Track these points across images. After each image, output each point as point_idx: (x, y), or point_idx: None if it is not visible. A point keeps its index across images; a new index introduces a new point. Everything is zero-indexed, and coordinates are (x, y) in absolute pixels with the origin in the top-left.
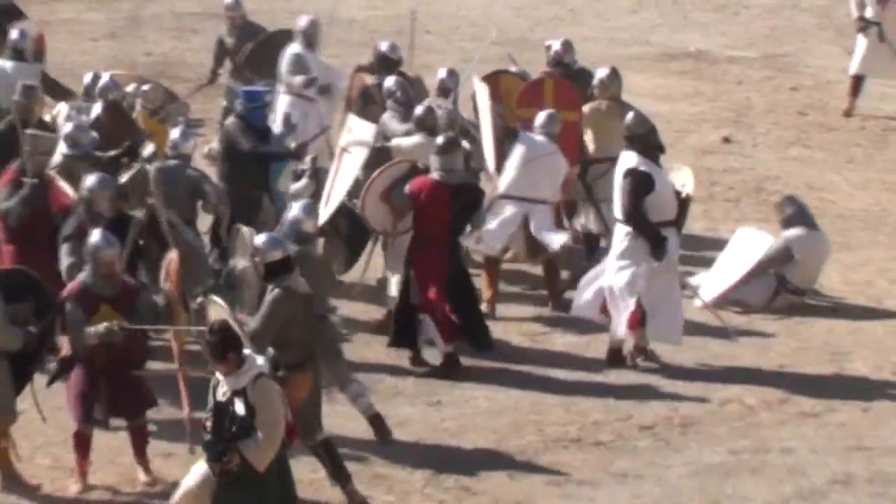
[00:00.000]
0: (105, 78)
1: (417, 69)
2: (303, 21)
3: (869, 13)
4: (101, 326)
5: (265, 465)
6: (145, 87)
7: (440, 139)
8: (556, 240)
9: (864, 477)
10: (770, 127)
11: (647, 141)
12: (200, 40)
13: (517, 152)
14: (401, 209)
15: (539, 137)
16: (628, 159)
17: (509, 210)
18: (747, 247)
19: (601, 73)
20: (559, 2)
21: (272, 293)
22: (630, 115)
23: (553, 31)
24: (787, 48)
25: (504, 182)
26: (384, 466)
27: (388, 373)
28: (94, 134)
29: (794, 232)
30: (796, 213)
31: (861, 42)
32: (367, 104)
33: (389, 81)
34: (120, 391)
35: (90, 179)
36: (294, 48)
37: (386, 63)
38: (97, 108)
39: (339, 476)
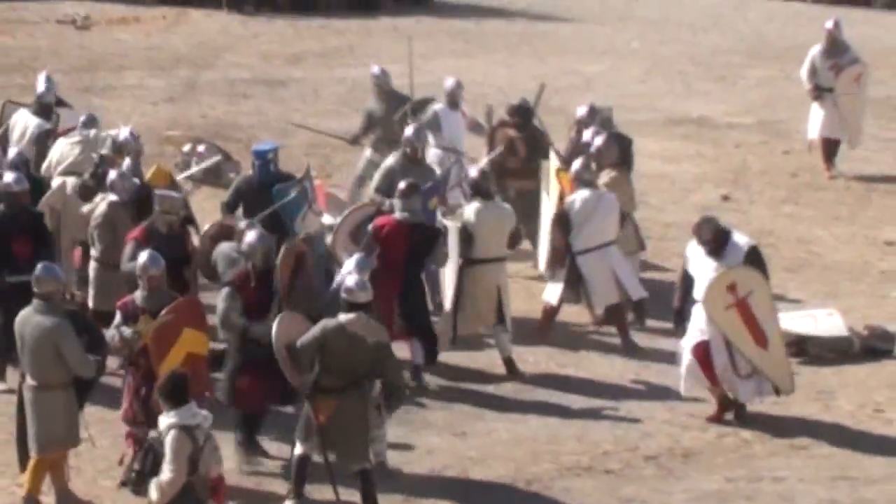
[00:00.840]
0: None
1: None
2: (448, 82)
3: (822, 81)
4: (126, 331)
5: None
6: (200, 148)
7: (402, 184)
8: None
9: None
10: (764, 186)
11: None
12: (251, 104)
13: (579, 209)
14: (366, 246)
15: (586, 190)
16: None
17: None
18: None
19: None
20: (575, 72)
21: (323, 323)
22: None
23: (569, 98)
24: (781, 115)
25: (578, 238)
26: (413, 490)
27: (417, 405)
28: (136, 181)
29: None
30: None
31: (816, 109)
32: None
33: None
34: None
35: (251, 236)
36: (436, 106)
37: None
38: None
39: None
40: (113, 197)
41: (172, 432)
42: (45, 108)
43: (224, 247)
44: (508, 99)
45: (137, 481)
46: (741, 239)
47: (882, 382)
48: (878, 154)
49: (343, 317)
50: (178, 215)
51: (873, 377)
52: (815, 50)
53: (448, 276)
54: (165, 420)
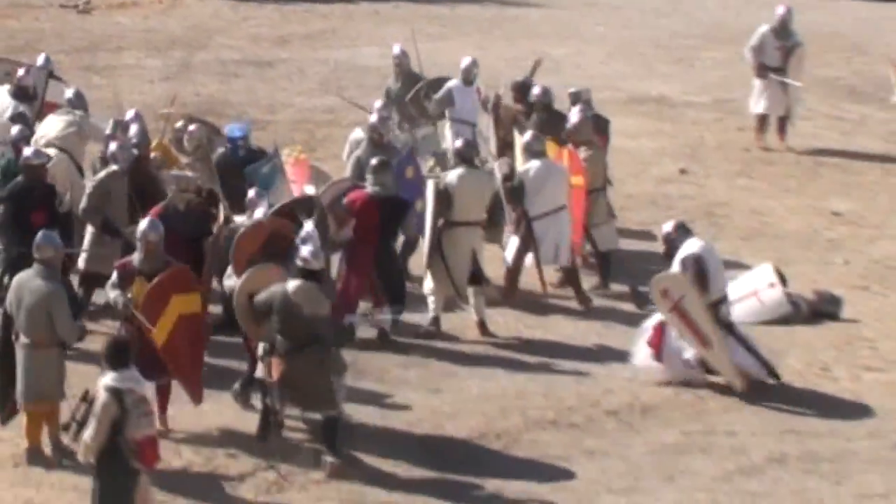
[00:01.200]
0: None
1: None
2: (465, 61)
3: (769, 60)
4: (120, 299)
5: (85, 458)
6: (191, 128)
7: (373, 160)
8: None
9: (796, 455)
10: (719, 161)
11: None
12: (241, 83)
13: (533, 177)
14: (341, 218)
15: (538, 160)
16: None
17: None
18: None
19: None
20: (543, 54)
21: (275, 287)
22: None
23: (538, 79)
24: (735, 94)
25: (533, 205)
26: (391, 442)
27: (395, 364)
28: (135, 151)
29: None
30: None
31: (760, 86)
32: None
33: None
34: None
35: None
36: (451, 83)
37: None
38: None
39: (329, 447)
40: (113, 167)
41: (104, 394)
42: (23, 90)
43: None
44: (479, 78)
45: (76, 431)
46: (690, 246)
47: (828, 343)
48: (825, 131)
49: (291, 284)
50: (193, 193)
51: (820, 338)
52: (765, 29)
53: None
54: (102, 380)
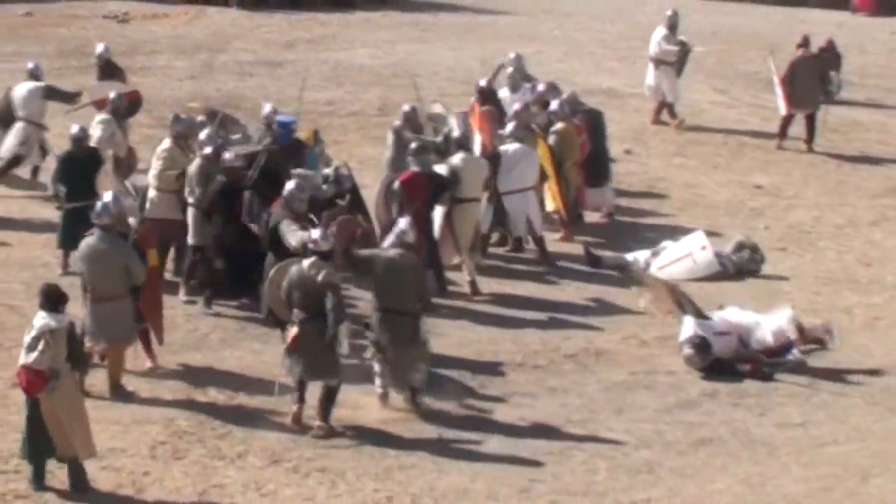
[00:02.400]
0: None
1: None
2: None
3: (666, 56)
4: None
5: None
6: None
7: (413, 144)
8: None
9: (726, 391)
10: (658, 143)
11: None
12: (255, 81)
13: (510, 156)
14: (397, 197)
15: (515, 145)
16: None
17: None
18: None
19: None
20: (506, 54)
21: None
22: None
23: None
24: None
25: (505, 181)
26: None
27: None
28: (220, 139)
29: None
30: None
31: (655, 75)
32: None
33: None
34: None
35: (290, 184)
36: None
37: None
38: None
39: (323, 413)
40: (207, 150)
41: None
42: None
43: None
44: (455, 74)
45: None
46: None
47: (750, 295)
48: (748, 116)
49: (305, 262)
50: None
51: (744, 290)
52: (663, 30)
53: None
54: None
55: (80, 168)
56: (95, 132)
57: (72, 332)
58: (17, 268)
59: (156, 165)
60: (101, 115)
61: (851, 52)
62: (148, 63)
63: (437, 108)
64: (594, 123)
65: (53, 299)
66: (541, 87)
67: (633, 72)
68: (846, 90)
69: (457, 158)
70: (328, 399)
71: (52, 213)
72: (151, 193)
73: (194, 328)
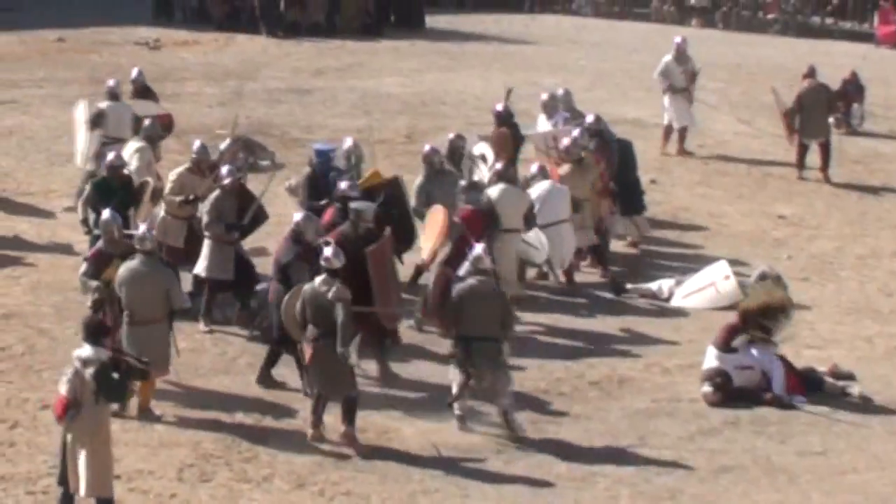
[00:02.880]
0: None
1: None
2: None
3: (677, 82)
4: (92, 284)
5: None
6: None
7: (464, 183)
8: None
9: (748, 419)
10: (683, 173)
11: None
12: (284, 108)
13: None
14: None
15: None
16: None
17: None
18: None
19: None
20: (536, 84)
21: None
22: None
23: (532, 104)
24: (696, 117)
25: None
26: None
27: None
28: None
29: None
30: None
31: (668, 102)
32: None
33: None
34: None
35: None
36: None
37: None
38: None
39: (348, 420)
40: (226, 182)
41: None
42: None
43: None
44: (482, 103)
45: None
46: None
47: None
48: (772, 147)
49: (317, 280)
50: (369, 222)
51: None
52: (668, 58)
53: None
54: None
55: (113, 196)
56: (133, 161)
57: (106, 365)
58: (48, 292)
59: (166, 188)
60: (137, 143)
61: (875, 84)
62: (178, 90)
63: (481, 150)
64: (624, 153)
65: (93, 331)
66: (589, 119)
67: (659, 102)
68: (869, 122)
69: (495, 190)
70: (349, 411)
71: (80, 237)
72: (160, 215)
73: (222, 352)
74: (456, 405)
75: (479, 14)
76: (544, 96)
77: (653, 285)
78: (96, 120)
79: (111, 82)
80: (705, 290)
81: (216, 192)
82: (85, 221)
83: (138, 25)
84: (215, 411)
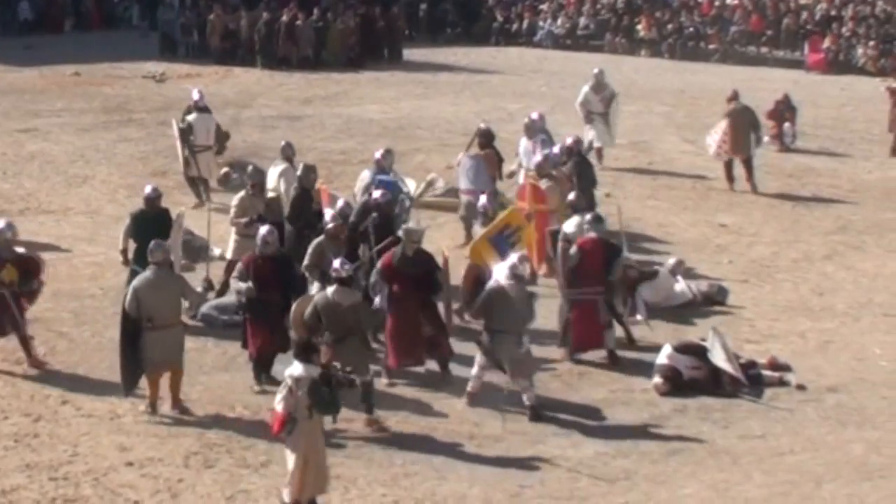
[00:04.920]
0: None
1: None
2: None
3: (595, 108)
4: None
5: None
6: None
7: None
8: None
9: (694, 407)
10: (634, 186)
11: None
12: (277, 133)
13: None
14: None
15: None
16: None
17: None
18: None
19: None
20: (502, 109)
21: (317, 297)
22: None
23: (498, 127)
24: (645, 137)
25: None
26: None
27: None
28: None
29: None
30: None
31: (589, 128)
32: None
33: None
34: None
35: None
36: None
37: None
38: None
39: (368, 406)
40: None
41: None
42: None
43: None
44: (453, 126)
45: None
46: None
47: (718, 323)
48: (714, 164)
49: (329, 289)
50: (417, 242)
51: (712, 320)
52: (587, 88)
53: None
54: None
55: (149, 227)
56: (281, 184)
57: (317, 381)
58: (66, 299)
59: (231, 212)
60: (282, 166)
61: (806, 106)
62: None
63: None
64: (587, 171)
65: (304, 350)
66: (569, 141)
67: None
68: (801, 140)
69: (570, 224)
70: (367, 395)
71: (95, 250)
72: (233, 237)
73: (223, 352)
74: (470, 384)
75: (451, 47)
76: (526, 120)
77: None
78: (185, 133)
79: (195, 95)
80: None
81: (319, 239)
82: (124, 252)
83: (146, 60)
84: (217, 404)
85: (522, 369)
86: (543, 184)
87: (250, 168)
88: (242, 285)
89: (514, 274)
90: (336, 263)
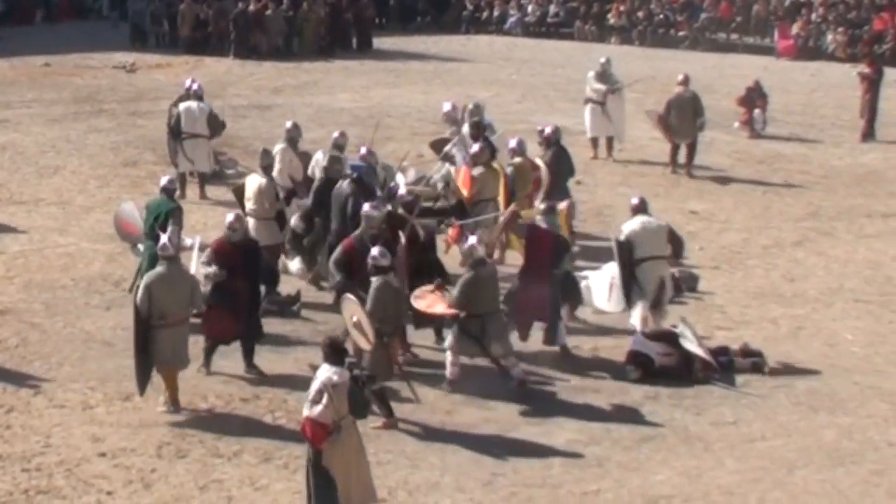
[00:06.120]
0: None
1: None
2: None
3: (594, 95)
4: None
5: None
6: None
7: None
8: None
9: (666, 394)
10: (605, 174)
11: None
12: (248, 122)
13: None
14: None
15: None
16: None
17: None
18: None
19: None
20: (472, 97)
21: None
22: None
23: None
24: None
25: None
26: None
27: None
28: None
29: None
30: None
31: (588, 115)
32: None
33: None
34: None
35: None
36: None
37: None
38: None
39: (385, 410)
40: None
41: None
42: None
43: None
44: (424, 115)
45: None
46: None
47: (689, 310)
48: (684, 150)
49: (381, 277)
50: (379, 229)
51: (683, 306)
52: (591, 74)
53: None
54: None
55: (159, 215)
56: (276, 163)
57: (354, 384)
58: (38, 290)
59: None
60: (280, 145)
61: (776, 92)
62: (152, 108)
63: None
64: (564, 160)
65: (337, 352)
66: (547, 130)
67: (582, 112)
68: (772, 126)
69: (636, 222)
70: (382, 396)
71: (66, 240)
72: (251, 223)
73: (195, 342)
74: (449, 371)
75: (421, 35)
76: (470, 106)
77: (583, 282)
78: (176, 124)
79: (188, 83)
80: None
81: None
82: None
83: (116, 51)
84: (189, 395)
85: (508, 346)
86: (476, 170)
87: (262, 150)
88: (211, 269)
89: (476, 259)
90: (374, 252)
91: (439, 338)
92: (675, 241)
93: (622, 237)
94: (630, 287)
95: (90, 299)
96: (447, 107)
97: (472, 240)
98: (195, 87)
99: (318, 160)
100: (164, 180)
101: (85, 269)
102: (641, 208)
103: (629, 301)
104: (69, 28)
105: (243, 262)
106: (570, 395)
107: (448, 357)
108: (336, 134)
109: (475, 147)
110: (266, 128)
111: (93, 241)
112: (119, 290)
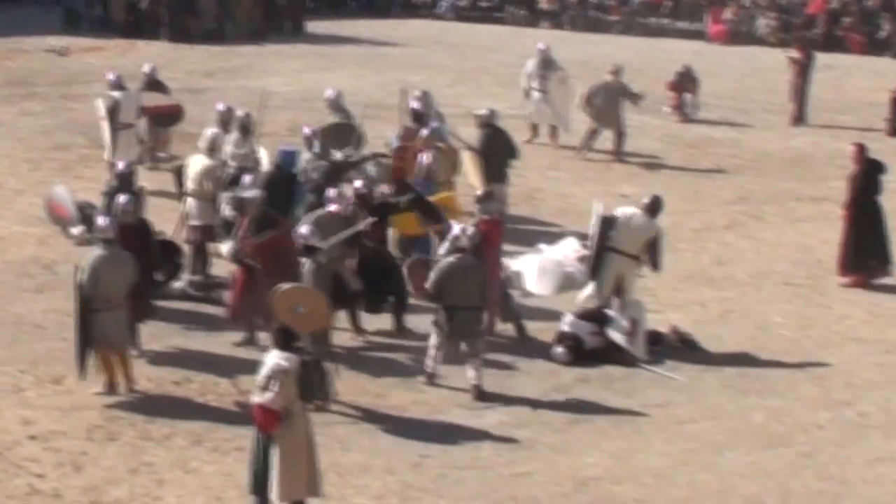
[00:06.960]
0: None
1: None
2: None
3: (534, 84)
4: None
5: None
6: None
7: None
8: None
9: (596, 377)
10: (536, 158)
11: None
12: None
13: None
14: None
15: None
16: None
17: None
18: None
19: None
20: (404, 81)
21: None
22: None
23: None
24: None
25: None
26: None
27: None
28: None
29: None
30: None
31: (528, 103)
32: None
33: None
34: None
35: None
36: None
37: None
38: None
39: (322, 392)
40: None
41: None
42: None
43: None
44: (356, 99)
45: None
46: None
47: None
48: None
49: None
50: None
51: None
52: (530, 64)
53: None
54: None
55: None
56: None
57: (303, 369)
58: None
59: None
60: (234, 134)
61: (707, 76)
62: (85, 91)
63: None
64: (498, 142)
65: (286, 337)
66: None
67: (512, 96)
68: (703, 110)
69: (624, 211)
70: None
71: (40, 231)
72: (190, 202)
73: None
74: (428, 364)
75: (354, 20)
76: (417, 94)
77: (513, 268)
78: (113, 110)
79: (111, 76)
80: (556, 272)
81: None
82: (90, 231)
83: (49, 35)
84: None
85: (478, 347)
86: (428, 156)
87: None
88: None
89: (457, 247)
90: (457, 231)
91: (399, 325)
92: (655, 252)
93: (608, 213)
94: (597, 262)
95: (21, 282)
96: (330, 93)
97: (456, 229)
98: (113, 77)
99: (206, 136)
100: (120, 165)
101: (16, 252)
102: (650, 208)
103: (593, 275)
104: (2, 12)
105: (135, 243)
106: (501, 377)
107: (430, 349)
108: (240, 112)
109: (424, 132)
110: (199, 111)
111: (24, 225)
112: (50, 273)
